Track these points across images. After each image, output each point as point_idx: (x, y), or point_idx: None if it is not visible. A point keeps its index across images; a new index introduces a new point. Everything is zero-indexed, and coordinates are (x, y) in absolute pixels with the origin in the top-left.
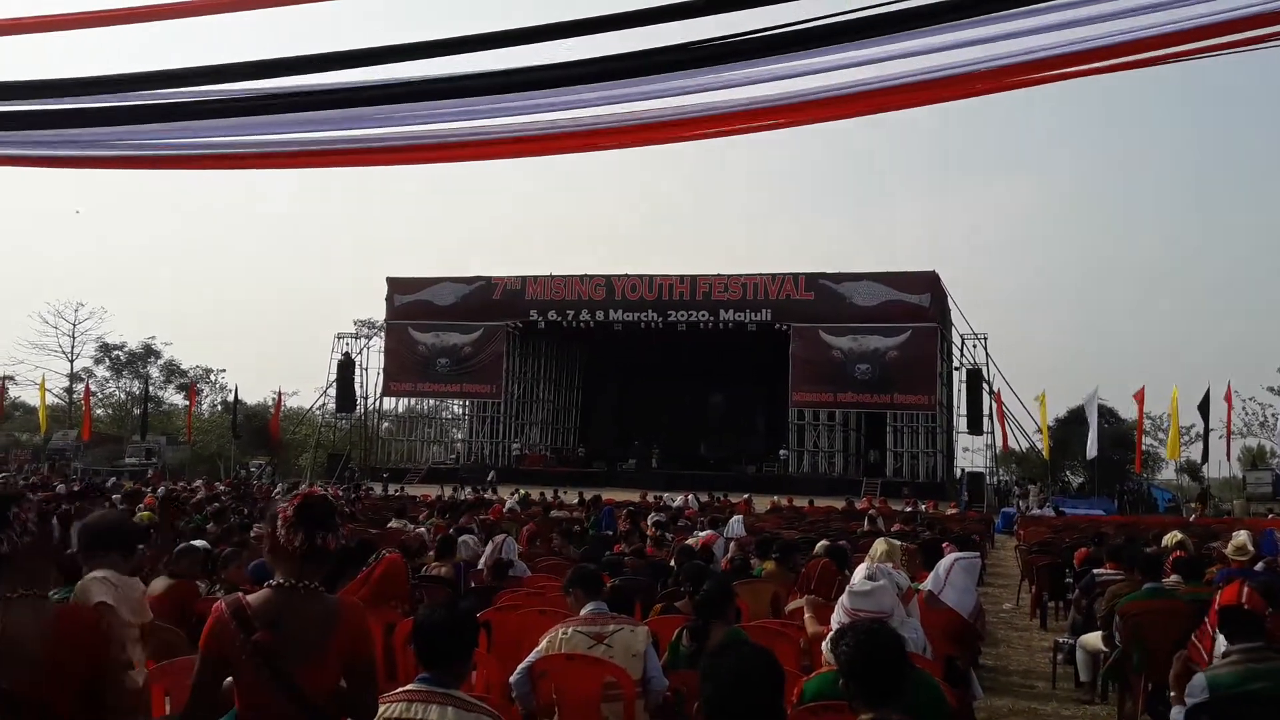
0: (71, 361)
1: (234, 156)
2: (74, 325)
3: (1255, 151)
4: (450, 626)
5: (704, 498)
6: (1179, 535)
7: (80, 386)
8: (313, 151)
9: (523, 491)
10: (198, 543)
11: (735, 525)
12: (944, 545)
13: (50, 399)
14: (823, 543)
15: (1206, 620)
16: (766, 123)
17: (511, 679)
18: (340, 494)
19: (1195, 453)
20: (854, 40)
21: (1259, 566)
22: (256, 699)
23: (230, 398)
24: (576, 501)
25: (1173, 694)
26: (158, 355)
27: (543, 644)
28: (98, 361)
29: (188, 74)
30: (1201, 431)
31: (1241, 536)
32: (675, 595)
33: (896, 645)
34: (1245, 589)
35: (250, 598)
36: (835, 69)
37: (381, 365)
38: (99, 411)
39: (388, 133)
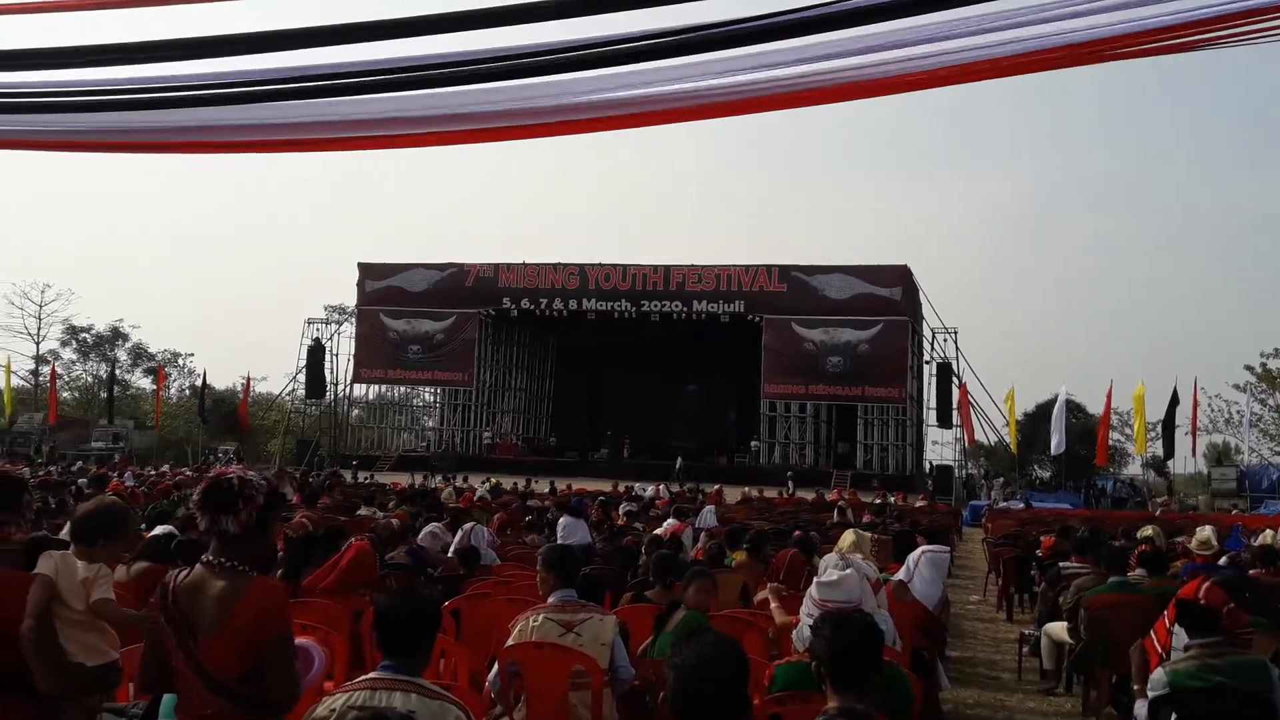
0: (38, 344)
1: (239, 144)
2: (40, 307)
3: (1226, 150)
4: (411, 614)
5: (675, 487)
6: (1150, 530)
7: (46, 369)
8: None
9: (494, 480)
10: (162, 528)
11: (707, 515)
12: (915, 538)
13: (15, 381)
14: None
15: (1165, 614)
16: (753, 109)
17: (489, 679)
18: (311, 479)
19: (1162, 449)
20: (843, 28)
21: (1223, 561)
22: (178, 671)
23: (198, 382)
24: (548, 490)
25: (1135, 687)
26: (125, 338)
27: (514, 632)
28: (64, 344)
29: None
30: (1166, 427)
31: (1206, 531)
32: (645, 584)
33: (875, 636)
34: (1204, 584)
35: (181, 575)
36: (820, 57)
37: (352, 351)
38: (65, 394)
39: (397, 114)
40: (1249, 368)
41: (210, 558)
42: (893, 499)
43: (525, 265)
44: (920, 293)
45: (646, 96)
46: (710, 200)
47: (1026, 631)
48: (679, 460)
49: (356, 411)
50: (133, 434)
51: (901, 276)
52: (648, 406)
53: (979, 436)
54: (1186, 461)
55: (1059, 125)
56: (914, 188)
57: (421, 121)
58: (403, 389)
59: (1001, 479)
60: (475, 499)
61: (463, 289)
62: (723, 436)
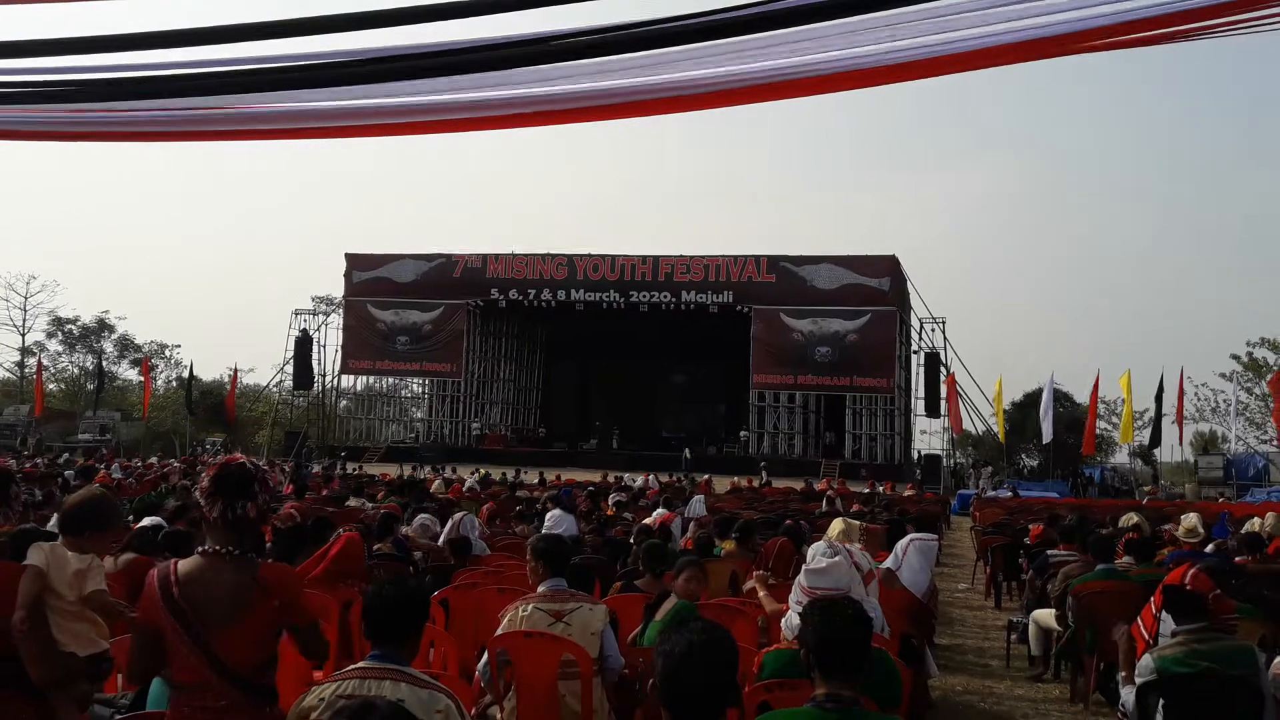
0: (23, 335)
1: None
2: (25, 299)
3: (1215, 143)
4: (399, 603)
5: (664, 478)
6: (1135, 518)
7: (32, 361)
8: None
9: (483, 471)
10: (149, 520)
11: (696, 505)
12: (907, 527)
13: (1, 373)
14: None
15: (1152, 601)
16: (749, 99)
17: (478, 668)
18: (303, 471)
19: (1150, 437)
20: (834, 18)
21: (1209, 548)
22: (181, 663)
23: (185, 373)
24: (537, 481)
25: (1122, 674)
26: (112, 330)
27: (503, 622)
28: (50, 335)
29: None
30: (1154, 416)
31: (1192, 519)
32: (635, 574)
33: (864, 623)
34: (1191, 571)
35: (180, 564)
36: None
37: (340, 342)
38: (51, 386)
39: (387, 103)
40: (1235, 357)
41: (216, 547)
42: (881, 488)
43: (513, 256)
44: (908, 283)
45: (614, 89)
46: (698, 191)
47: (1014, 619)
48: (686, 450)
49: (344, 403)
50: (120, 426)
51: (890, 266)
52: (637, 397)
53: (967, 426)
54: (1173, 450)
55: (1048, 118)
56: (903, 178)
57: (396, 112)
58: (391, 380)
59: (990, 468)
60: (464, 490)
61: (451, 280)
62: (712, 426)
